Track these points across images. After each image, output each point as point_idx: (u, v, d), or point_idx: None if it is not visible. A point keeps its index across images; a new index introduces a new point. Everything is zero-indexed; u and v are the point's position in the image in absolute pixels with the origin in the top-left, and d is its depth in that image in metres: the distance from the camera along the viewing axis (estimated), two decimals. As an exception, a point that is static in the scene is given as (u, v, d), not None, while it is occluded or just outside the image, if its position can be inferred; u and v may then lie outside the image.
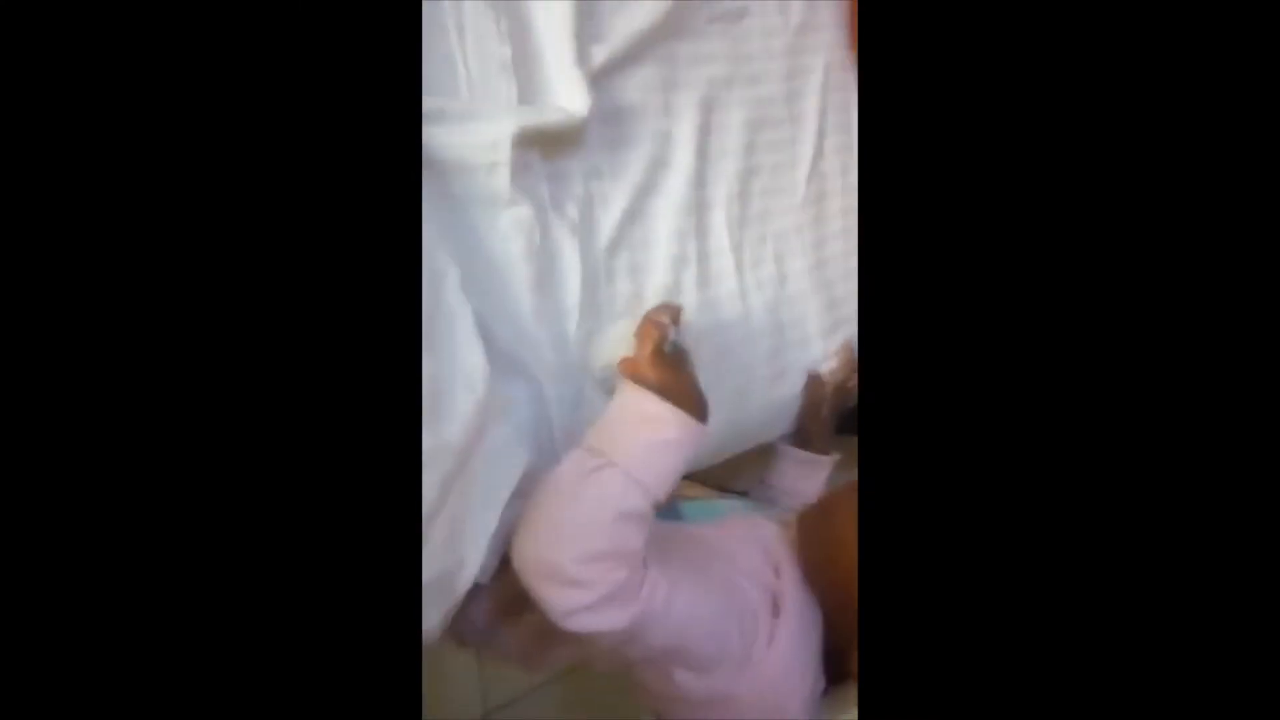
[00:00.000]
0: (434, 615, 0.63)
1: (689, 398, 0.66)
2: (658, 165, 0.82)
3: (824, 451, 0.96)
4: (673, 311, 0.71)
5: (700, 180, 0.85)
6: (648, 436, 0.63)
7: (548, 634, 0.71)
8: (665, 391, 0.65)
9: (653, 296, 0.82)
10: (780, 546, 0.73)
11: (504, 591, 0.72)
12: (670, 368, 0.68)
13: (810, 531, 0.73)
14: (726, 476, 0.99)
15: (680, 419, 0.63)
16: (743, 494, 0.98)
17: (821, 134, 0.96)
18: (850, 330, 1.02)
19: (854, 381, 1.00)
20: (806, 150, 0.95)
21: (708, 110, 0.84)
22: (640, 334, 0.69)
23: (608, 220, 0.78)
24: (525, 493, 0.69)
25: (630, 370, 0.68)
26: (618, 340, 0.72)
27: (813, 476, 0.96)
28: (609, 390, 0.77)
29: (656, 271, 0.83)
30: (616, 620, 0.58)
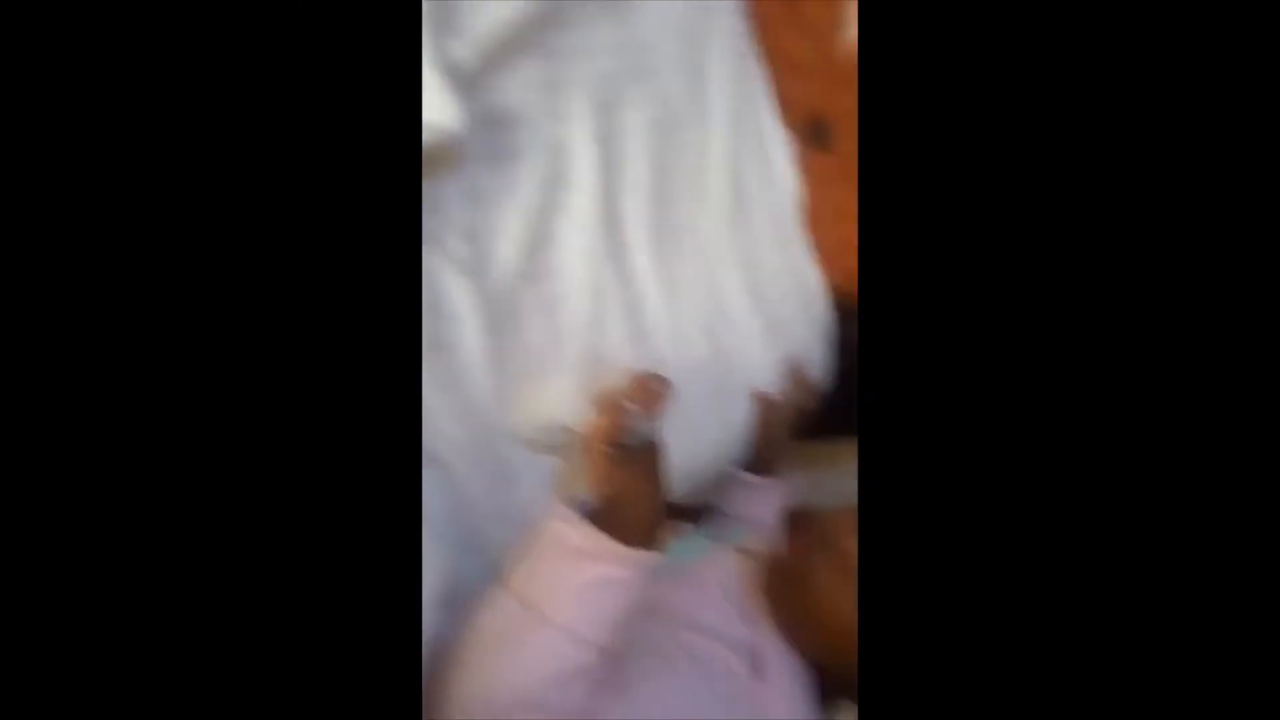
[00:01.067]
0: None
1: (638, 514, 0.54)
2: (556, 181, 0.68)
3: (779, 474, 0.90)
4: (650, 391, 0.58)
5: (609, 194, 0.72)
6: (583, 577, 0.51)
7: None
8: (613, 503, 0.53)
9: (573, 335, 0.68)
10: (751, 593, 0.62)
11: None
12: (624, 466, 0.55)
13: (781, 591, 0.63)
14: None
15: (621, 555, 0.51)
16: (696, 511, 0.87)
17: (735, 131, 0.86)
18: (791, 343, 0.92)
19: (807, 400, 0.92)
20: (721, 151, 0.84)
21: (606, 111, 0.72)
22: (599, 408, 0.56)
23: (506, 251, 0.64)
24: (449, 604, 0.55)
25: (580, 444, 0.54)
26: (557, 399, 0.58)
27: (769, 501, 0.88)
28: (544, 457, 0.63)
29: (573, 305, 0.69)
30: None
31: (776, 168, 0.95)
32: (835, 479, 1.27)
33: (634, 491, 0.55)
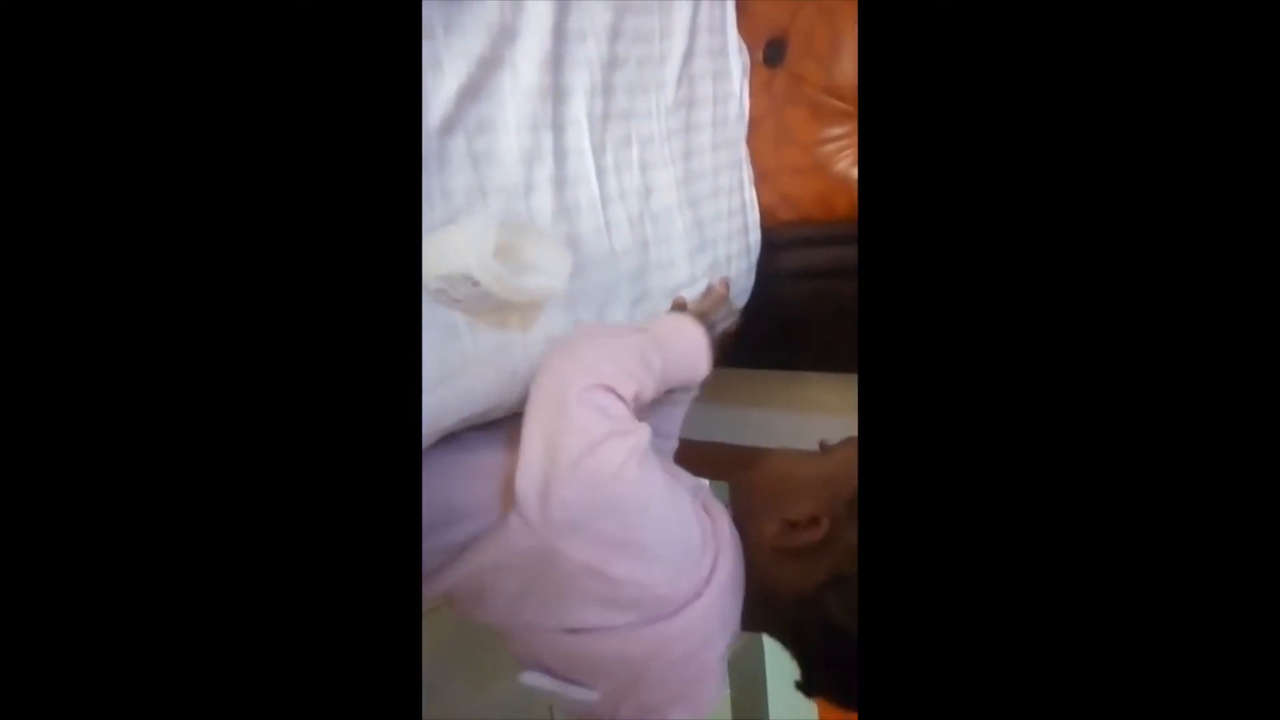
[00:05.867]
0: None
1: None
2: (505, 35, 0.68)
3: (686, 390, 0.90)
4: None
5: (556, 62, 0.73)
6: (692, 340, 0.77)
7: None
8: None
9: (498, 193, 0.70)
10: (704, 491, 0.69)
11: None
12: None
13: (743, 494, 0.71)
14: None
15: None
16: None
17: (694, 31, 0.87)
18: (716, 254, 0.94)
19: (720, 314, 0.93)
20: (677, 46, 0.85)
21: (568, -21, 0.72)
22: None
23: (442, 91, 0.64)
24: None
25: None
26: (467, 250, 0.59)
27: (672, 414, 0.88)
28: (448, 304, 0.65)
29: (504, 163, 0.70)
30: (618, 412, 0.60)
31: (732, 79, 0.96)
32: (747, 412, 1.31)
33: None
